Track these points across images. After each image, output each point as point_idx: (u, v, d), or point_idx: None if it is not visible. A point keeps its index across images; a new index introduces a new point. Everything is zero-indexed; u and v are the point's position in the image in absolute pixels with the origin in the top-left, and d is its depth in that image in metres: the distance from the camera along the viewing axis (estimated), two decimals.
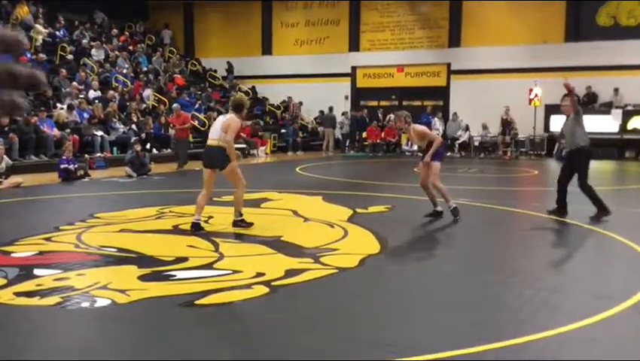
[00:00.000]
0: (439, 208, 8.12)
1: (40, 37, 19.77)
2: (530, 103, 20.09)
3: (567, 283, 5.09)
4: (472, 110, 21.25)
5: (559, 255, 6.22)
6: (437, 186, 8.03)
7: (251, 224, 7.19)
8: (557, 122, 20.16)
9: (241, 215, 7.24)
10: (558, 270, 5.62)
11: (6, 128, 13.57)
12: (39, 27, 20.18)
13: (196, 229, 6.87)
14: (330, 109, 23.14)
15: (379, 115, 22.61)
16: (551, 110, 20.70)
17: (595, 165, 17.34)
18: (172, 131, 16.98)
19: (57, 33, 20.95)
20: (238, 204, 7.27)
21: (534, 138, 20.73)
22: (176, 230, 7.07)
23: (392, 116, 22.13)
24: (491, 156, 20.44)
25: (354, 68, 24.36)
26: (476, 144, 21.37)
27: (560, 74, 20.40)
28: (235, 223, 7.18)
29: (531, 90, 20.05)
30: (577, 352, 3.58)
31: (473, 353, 3.44)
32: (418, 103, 23.30)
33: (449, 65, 22.93)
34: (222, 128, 6.96)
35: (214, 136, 7.06)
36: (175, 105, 16.76)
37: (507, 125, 20.41)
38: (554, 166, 17.58)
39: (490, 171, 16.07)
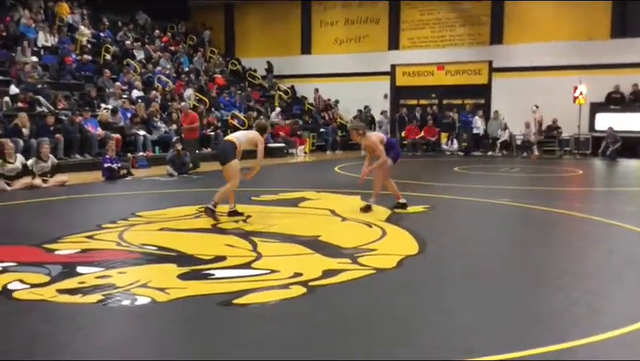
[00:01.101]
0: (402, 200, 8.50)
1: (84, 39, 20.23)
2: (574, 101, 19.63)
3: (612, 287, 4.94)
4: (514, 109, 20.88)
5: (604, 258, 6.05)
6: (385, 183, 8.47)
7: (218, 220, 7.36)
8: (602, 121, 19.74)
9: (215, 206, 7.45)
10: (604, 273, 5.46)
11: (52, 128, 13.91)
12: (83, 28, 20.66)
13: (233, 215, 7.58)
14: (366, 108, 22.97)
15: (417, 115, 22.39)
16: (596, 108, 20.23)
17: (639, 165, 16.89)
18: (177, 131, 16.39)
19: (101, 34, 21.39)
20: (219, 195, 7.51)
21: (578, 137, 20.26)
22: (215, 229, 7.12)
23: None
24: (532, 156, 20.04)
25: (393, 67, 24.21)
26: (518, 142, 20.99)
27: (605, 70, 20.02)
28: (206, 210, 7.46)
29: (575, 88, 19.59)
30: (623, 358, 3.46)
31: (516, 357, 3.36)
32: (458, 101, 23.04)
33: (490, 62, 22.58)
34: (248, 137, 7.70)
35: (235, 135, 7.77)
36: (182, 104, 16.34)
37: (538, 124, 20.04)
38: (599, 166, 17.16)
39: (532, 170, 15.76)
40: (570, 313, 4.17)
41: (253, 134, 7.85)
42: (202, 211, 7.77)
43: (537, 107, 19.84)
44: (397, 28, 24.14)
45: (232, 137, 7.77)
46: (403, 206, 8.43)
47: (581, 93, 19.58)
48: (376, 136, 8.52)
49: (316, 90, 24.98)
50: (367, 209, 8.31)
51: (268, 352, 3.55)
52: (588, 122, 20.28)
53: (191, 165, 14.00)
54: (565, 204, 9.38)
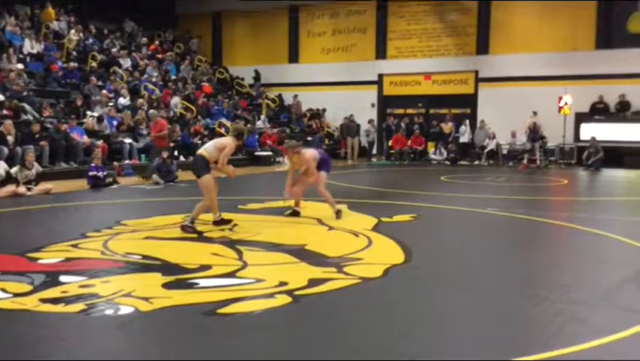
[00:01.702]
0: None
1: (72, 44, 20.13)
2: (559, 111, 19.80)
3: (597, 297, 4.97)
4: (500, 119, 21.01)
5: (589, 267, 6.08)
6: (322, 193, 8.63)
7: (199, 234, 7.24)
8: (587, 131, 19.91)
9: (192, 222, 7.37)
10: (588, 283, 5.49)
11: (37, 136, 13.80)
12: (73, 33, 20.57)
13: (220, 224, 7.52)
14: (351, 116, 22.95)
15: (402, 124, 22.47)
16: (581, 118, 20.41)
17: (627, 175, 17.04)
18: (147, 139, 16.09)
19: (87, 42, 21.29)
20: (196, 211, 7.41)
21: (563, 147, 20.42)
22: (200, 238, 7.09)
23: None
24: (519, 165, 20.15)
25: (380, 76, 24.31)
26: (505, 152, 21.11)
27: (590, 81, 20.22)
28: (183, 227, 7.35)
29: (560, 98, 19.77)
30: None
31: None
32: (445, 111, 23.15)
33: (476, 72, 22.75)
34: (217, 145, 7.55)
35: (204, 147, 7.67)
36: (151, 112, 15.96)
37: (535, 131, 20.05)
38: (584, 176, 17.29)
39: (518, 180, 15.86)
40: (554, 322, 4.19)
41: (222, 140, 7.79)
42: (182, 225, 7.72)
43: (535, 113, 19.89)
44: (385, 38, 24.27)
45: (202, 150, 7.63)
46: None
47: (566, 103, 19.74)
48: (310, 154, 8.63)
49: (295, 96, 25.14)
50: (294, 214, 8.63)
51: (253, 360, 3.53)
52: (573, 132, 20.44)
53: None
54: (550, 214, 9.44)
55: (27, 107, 15.16)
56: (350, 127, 22.93)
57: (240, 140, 7.81)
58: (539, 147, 19.95)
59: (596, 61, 20.33)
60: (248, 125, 20.64)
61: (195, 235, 7.18)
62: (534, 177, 16.47)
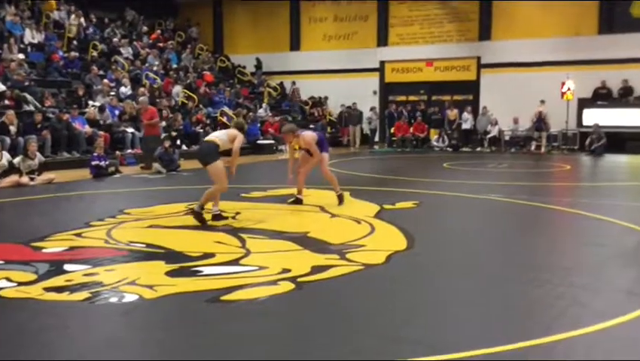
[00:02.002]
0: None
1: (74, 29, 20.07)
2: (562, 97, 19.74)
3: (599, 281, 4.98)
4: (503, 105, 20.96)
5: (591, 252, 6.09)
6: (326, 174, 8.64)
7: (205, 223, 7.14)
8: (590, 117, 19.85)
9: (202, 209, 7.24)
10: (590, 267, 5.50)
11: (39, 126, 13.82)
12: (73, 18, 20.52)
13: (216, 219, 7.28)
14: (354, 105, 22.91)
15: (404, 112, 22.41)
16: (584, 103, 20.35)
17: (630, 160, 17.01)
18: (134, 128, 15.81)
19: (88, 31, 21.23)
20: (205, 197, 7.28)
21: (566, 133, 20.37)
22: (203, 226, 7.11)
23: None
24: (522, 151, 20.12)
25: (382, 63, 24.23)
26: (507, 138, 21.08)
27: (593, 66, 20.13)
28: (193, 212, 7.25)
29: (563, 83, 19.70)
30: (608, 351, 3.49)
31: (500, 351, 3.39)
32: (447, 97, 23.09)
33: (479, 58, 22.66)
34: (228, 134, 7.46)
35: (215, 134, 7.58)
36: (141, 99, 15.65)
37: (541, 120, 20.00)
38: (587, 161, 17.27)
39: (521, 166, 15.84)
40: (556, 306, 4.21)
41: (233, 131, 7.65)
42: (191, 210, 7.73)
43: (542, 102, 19.81)
44: (386, 25, 24.16)
45: (213, 137, 7.50)
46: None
47: (569, 89, 19.68)
48: (310, 136, 8.58)
49: (293, 83, 25.11)
50: (296, 202, 8.60)
51: (257, 348, 3.55)
52: (576, 118, 20.39)
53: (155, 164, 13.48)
54: (552, 199, 9.44)
55: (29, 97, 15.16)
56: (352, 115, 22.89)
57: (243, 133, 7.72)
58: (546, 135, 19.91)
59: (599, 46, 20.23)
60: (250, 114, 20.66)
61: (199, 223, 7.14)
62: (536, 163, 16.45)
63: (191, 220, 7.36)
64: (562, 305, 4.23)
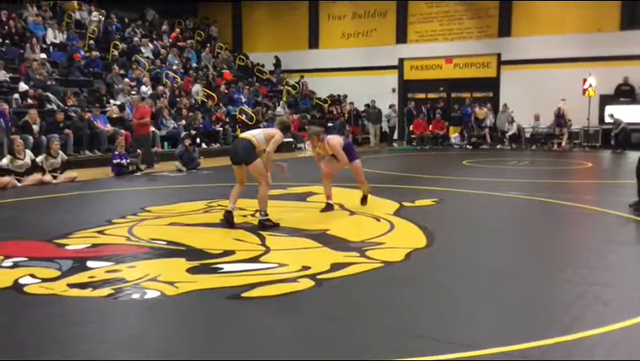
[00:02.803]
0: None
1: (94, 27, 20.28)
2: (584, 93, 19.54)
3: (621, 280, 4.94)
4: (523, 102, 20.80)
5: (613, 250, 6.03)
6: (361, 182, 8.25)
7: (277, 225, 6.87)
8: (612, 113, 19.60)
9: (266, 214, 6.93)
10: (612, 265, 5.45)
11: (61, 125, 13.99)
12: (93, 17, 20.74)
13: (226, 218, 6.94)
14: (372, 102, 22.85)
15: (424, 109, 22.32)
16: (606, 100, 20.11)
17: None
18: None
19: (109, 28, 21.39)
20: (261, 203, 6.98)
21: (588, 130, 20.16)
22: (223, 223, 7.15)
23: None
24: (543, 148, 19.94)
25: (401, 60, 24.17)
26: (527, 135, 20.90)
27: (615, 62, 19.88)
28: (260, 223, 6.88)
29: (585, 80, 19.48)
30: (630, 351, 3.46)
31: (521, 350, 3.37)
32: (467, 95, 22.96)
33: (499, 55, 22.50)
34: (265, 134, 7.10)
35: (252, 133, 7.19)
36: (134, 96, 15.23)
37: (561, 117, 19.83)
38: (609, 158, 17.07)
39: (542, 163, 15.70)
40: (577, 305, 4.18)
41: (271, 131, 7.28)
42: (211, 207, 7.76)
43: (563, 100, 19.62)
44: (405, 22, 24.08)
45: (249, 135, 7.12)
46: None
47: (590, 85, 19.47)
48: (337, 141, 8.09)
49: (301, 77, 25.09)
50: (328, 208, 8.02)
51: (277, 344, 3.58)
52: (598, 115, 20.16)
53: (143, 165, 13.21)
54: (573, 197, 9.35)
55: (51, 96, 15.36)
56: (371, 113, 22.83)
57: (285, 134, 7.34)
58: (567, 131, 19.73)
59: (621, 42, 19.98)
60: (269, 112, 20.69)
61: (274, 225, 6.86)
62: (557, 161, 16.29)
63: (211, 218, 7.42)
64: (583, 304, 4.19)
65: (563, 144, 19.58)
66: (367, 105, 23.28)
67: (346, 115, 23.86)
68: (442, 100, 23.14)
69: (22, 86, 15.28)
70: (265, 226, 6.81)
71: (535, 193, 9.44)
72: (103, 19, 21.29)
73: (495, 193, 9.61)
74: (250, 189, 7.34)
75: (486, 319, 3.97)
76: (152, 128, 15.15)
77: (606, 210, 7.98)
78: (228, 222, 6.92)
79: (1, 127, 12.82)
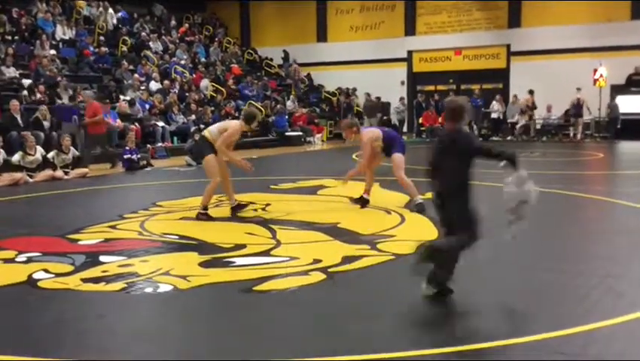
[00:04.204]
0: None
1: (101, 18, 20.35)
2: (595, 84, 19.38)
3: (635, 271, 4.91)
4: (534, 93, 20.64)
5: (626, 241, 5.99)
6: (400, 178, 7.67)
7: (213, 219, 6.96)
8: (623, 103, 19.46)
9: (205, 209, 7.01)
10: (625, 257, 5.42)
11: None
12: (100, 10, 20.83)
13: (237, 210, 7.12)
14: (369, 96, 22.39)
15: (431, 101, 22.18)
16: (617, 90, 19.95)
17: None
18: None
19: (117, 21, 21.39)
20: (205, 197, 7.04)
21: (599, 120, 20.01)
22: (234, 217, 7.17)
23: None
24: (554, 139, 19.80)
25: (410, 53, 24.06)
26: (538, 127, 20.77)
27: (626, 52, 19.70)
28: (198, 215, 6.97)
29: (595, 70, 19.33)
30: None
31: (535, 341, 3.36)
32: (476, 86, 22.84)
33: (508, 46, 22.35)
34: (219, 127, 7.15)
35: (209, 129, 7.27)
36: (85, 92, 14.32)
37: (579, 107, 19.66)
38: (621, 149, 16.94)
39: (553, 154, 15.61)
40: (591, 296, 4.16)
41: (225, 123, 7.28)
42: (222, 201, 7.78)
43: (579, 89, 19.45)
44: (414, 14, 23.97)
45: (205, 131, 7.25)
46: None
47: (601, 76, 19.31)
48: (370, 134, 7.70)
49: (294, 61, 25.16)
50: (362, 203, 7.76)
51: (289, 337, 3.58)
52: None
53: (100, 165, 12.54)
54: (585, 188, 9.30)
55: (61, 92, 15.40)
56: (366, 106, 21.79)
57: (249, 125, 7.15)
58: (582, 122, 19.60)
59: (632, 31, 19.79)
60: (279, 106, 20.61)
61: (208, 220, 6.92)
62: (568, 152, 16.19)
63: (222, 212, 7.44)
64: (597, 295, 4.18)
65: (579, 135, 19.42)
66: (367, 94, 22.60)
67: (355, 108, 23.65)
68: (451, 92, 23.01)
69: (26, 82, 15.27)
70: (200, 216, 6.95)
71: (547, 185, 9.37)
72: (112, 10, 21.31)
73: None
74: (259, 183, 7.34)
75: (499, 311, 3.96)
76: (120, 123, 14.45)
77: (619, 200, 7.93)
78: (240, 208, 7.18)
79: (74, 122, 13.68)
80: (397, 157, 7.64)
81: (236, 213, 7.21)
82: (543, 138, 20.13)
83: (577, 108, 19.60)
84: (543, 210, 7.93)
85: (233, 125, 7.10)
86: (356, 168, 7.94)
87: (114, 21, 21.51)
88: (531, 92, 20.24)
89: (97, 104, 13.49)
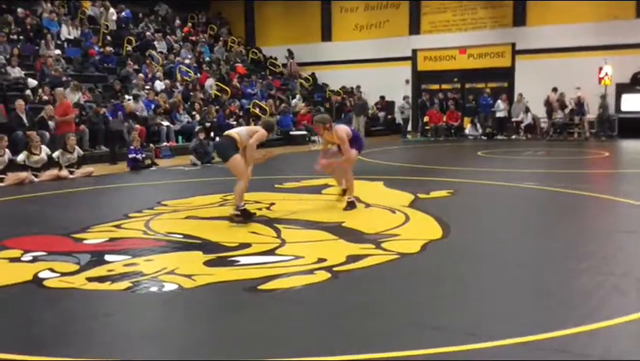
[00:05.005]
0: (351, 199, 7.65)
1: (103, 17, 20.40)
2: (600, 82, 19.33)
3: (639, 270, 4.90)
4: (539, 91, 20.59)
5: (630, 239, 5.98)
6: (346, 175, 7.71)
7: (252, 215, 6.80)
8: (629, 102, 19.39)
9: (238, 208, 6.78)
10: (630, 255, 5.41)
11: (77, 120, 14.08)
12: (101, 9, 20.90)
13: (245, 216, 6.74)
14: (359, 93, 22.01)
15: (435, 100, 22.12)
16: (622, 89, 19.89)
17: None
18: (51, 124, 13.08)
19: (121, 15, 21.41)
20: (237, 197, 6.84)
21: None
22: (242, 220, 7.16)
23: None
24: (559, 138, 19.75)
25: (414, 52, 24.04)
26: (543, 125, 20.72)
27: (631, 50, 19.64)
28: (236, 216, 6.74)
29: (600, 69, 19.28)
30: None
31: (540, 340, 3.36)
32: (481, 85, 22.81)
33: (513, 45, 22.31)
34: (248, 131, 7.04)
35: (236, 130, 7.12)
36: (57, 89, 13.49)
37: (580, 105, 19.59)
38: (626, 147, 16.90)
39: (558, 153, 15.58)
40: (596, 295, 4.15)
41: (255, 128, 7.23)
42: (227, 200, 7.79)
43: (578, 88, 19.38)
44: (418, 13, 23.94)
45: (231, 131, 7.16)
46: (352, 205, 7.57)
47: (606, 74, 19.26)
48: (343, 130, 7.71)
49: (290, 54, 25.11)
50: (350, 206, 7.58)
51: (294, 336, 3.59)
52: (614, 104, 19.95)
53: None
54: (590, 187, 9.28)
55: (66, 92, 15.43)
56: (356, 105, 21.27)
57: (269, 133, 7.21)
58: (587, 121, 19.52)
59: (637, 29, 19.73)
60: (283, 105, 20.56)
61: (249, 220, 6.73)
62: (573, 150, 16.16)
63: (227, 211, 7.44)
64: (602, 294, 4.17)
65: (587, 133, 19.34)
66: (348, 92, 22.17)
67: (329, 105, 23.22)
68: (456, 90, 22.97)
69: (31, 82, 15.33)
70: (233, 220, 6.71)
71: (552, 183, 9.37)
72: (113, 9, 21.35)
73: (511, 184, 9.56)
74: (263, 183, 7.36)
75: (503, 310, 3.96)
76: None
77: (623, 199, 7.91)
78: (248, 217, 6.80)
79: (120, 119, 14.58)
80: (354, 152, 7.71)
81: (240, 217, 6.78)
82: (548, 137, 20.08)
83: (579, 107, 19.54)
84: (547, 208, 7.94)
85: (262, 131, 7.07)
86: (339, 161, 7.77)
87: (114, 19, 21.46)
88: (554, 89, 20.00)
89: (68, 103, 13.17)
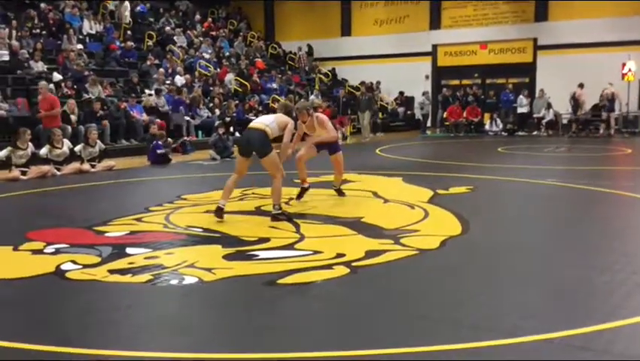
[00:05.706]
0: (306, 185, 7.91)
1: (127, 16, 20.54)
2: (623, 78, 19.07)
3: None
4: (560, 87, 20.36)
5: None
6: (299, 163, 7.84)
7: (290, 219, 6.55)
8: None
9: (280, 208, 6.63)
10: None
11: (98, 115, 14.22)
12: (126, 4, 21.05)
13: (218, 215, 6.53)
14: (366, 85, 21.81)
15: (457, 95, 21.98)
16: None
17: None
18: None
19: (138, 8, 21.55)
20: (275, 195, 6.63)
21: (627, 115, 19.68)
22: (258, 211, 7.21)
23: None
24: (581, 135, 19.53)
25: (435, 47, 23.90)
26: (565, 121, 20.50)
27: None
28: (274, 216, 6.56)
29: (624, 65, 19.01)
30: None
31: (561, 337, 3.33)
32: (502, 80, 22.62)
33: (535, 40, 22.09)
34: (278, 122, 6.66)
35: (264, 121, 6.72)
36: (41, 83, 13.00)
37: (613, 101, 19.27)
38: None
39: (579, 150, 15.41)
40: (618, 292, 4.11)
41: (282, 118, 6.81)
42: (246, 195, 7.79)
43: (611, 84, 19.10)
44: (439, 7, 23.79)
45: (260, 124, 6.65)
46: (302, 193, 7.77)
47: (630, 70, 18.99)
48: (323, 116, 7.85)
49: (299, 49, 25.17)
50: (339, 193, 7.96)
51: (313, 331, 3.60)
52: (637, 100, 19.68)
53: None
54: (612, 184, 9.17)
55: (88, 86, 15.60)
56: (361, 100, 20.59)
57: (291, 117, 6.96)
58: (614, 117, 19.25)
59: None
60: (302, 100, 20.54)
61: (289, 220, 6.52)
62: (596, 147, 15.96)
63: (246, 205, 7.48)
64: (624, 292, 4.12)
65: (612, 130, 19.07)
66: (355, 88, 22.02)
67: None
68: (476, 86, 22.81)
69: (56, 76, 15.52)
70: (278, 218, 6.52)
71: (573, 180, 9.28)
72: (127, 4, 21.47)
73: (532, 180, 9.48)
74: (283, 178, 7.30)
75: (524, 306, 3.93)
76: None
77: None
78: (219, 217, 6.53)
79: (181, 112, 15.78)
80: (314, 149, 7.94)
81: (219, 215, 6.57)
82: (570, 134, 19.85)
83: (610, 103, 19.19)
84: (569, 205, 7.86)
85: (291, 121, 6.84)
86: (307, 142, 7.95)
87: (127, 13, 21.55)
88: (581, 85, 19.70)
89: (54, 97, 12.72)
